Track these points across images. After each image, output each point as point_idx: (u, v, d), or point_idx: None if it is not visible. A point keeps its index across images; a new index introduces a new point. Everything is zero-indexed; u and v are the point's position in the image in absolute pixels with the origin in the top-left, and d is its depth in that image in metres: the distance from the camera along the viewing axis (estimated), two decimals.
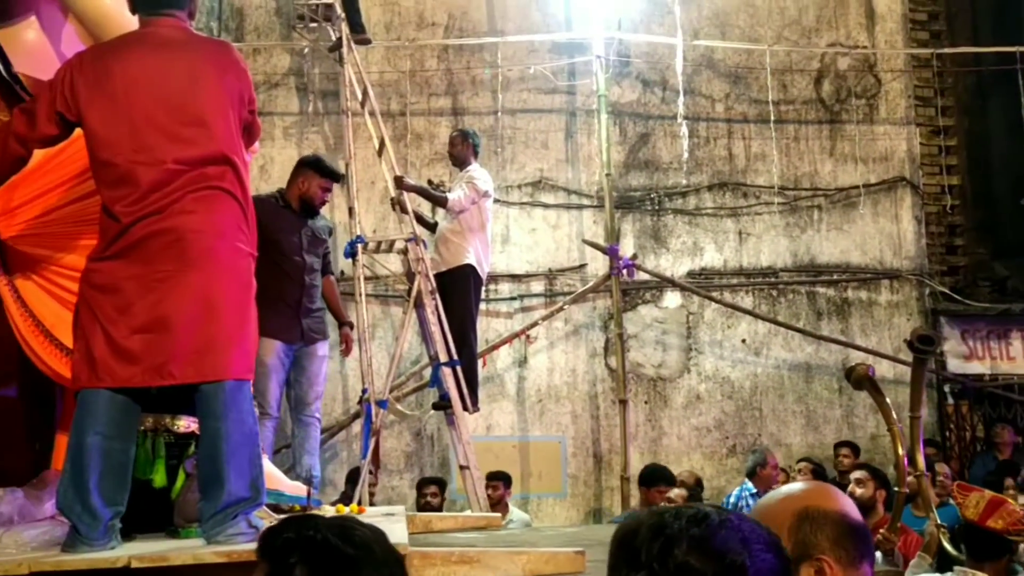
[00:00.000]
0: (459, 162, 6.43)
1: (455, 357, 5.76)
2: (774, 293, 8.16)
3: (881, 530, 3.68)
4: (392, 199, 6.15)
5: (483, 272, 6.26)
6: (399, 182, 6.09)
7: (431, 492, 6.44)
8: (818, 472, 6.35)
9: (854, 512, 1.62)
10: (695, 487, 6.44)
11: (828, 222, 8.25)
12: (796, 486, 1.78)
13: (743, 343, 8.03)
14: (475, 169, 6.31)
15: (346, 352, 5.76)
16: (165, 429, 2.98)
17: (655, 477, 6.09)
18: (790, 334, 7.97)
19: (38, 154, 3.04)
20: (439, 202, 6.25)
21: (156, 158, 2.68)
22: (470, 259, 6.10)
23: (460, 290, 6.07)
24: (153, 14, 2.85)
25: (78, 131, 2.88)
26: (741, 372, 7.99)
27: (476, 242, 6.17)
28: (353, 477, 5.99)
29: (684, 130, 8.00)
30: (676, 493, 6.29)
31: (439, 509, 6.35)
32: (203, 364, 2.66)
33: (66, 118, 2.75)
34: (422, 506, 6.37)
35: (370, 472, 5.54)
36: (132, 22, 2.96)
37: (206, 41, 3.02)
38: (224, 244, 2.74)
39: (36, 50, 3.58)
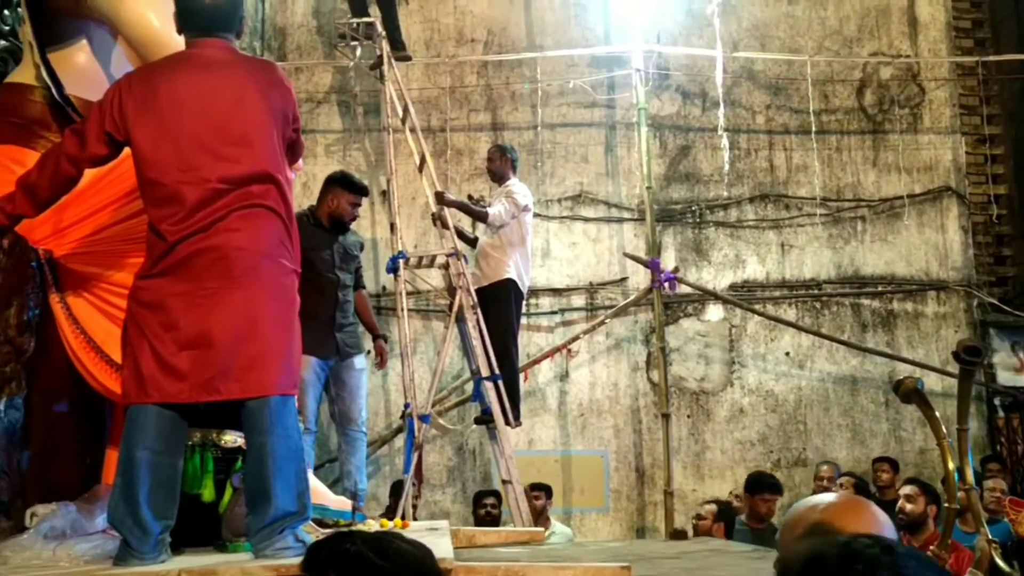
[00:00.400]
0: (498, 177, 6.46)
1: (497, 371, 5.77)
2: (818, 305, 8.07)
3: (931, 547, 3.62)
4: (433, 214, 6.20)
5: (524, 286, 6.28)
6: (440, 197, 6.13)
7: (490, 504, 6.45)
8: (860, 487, 6.26)
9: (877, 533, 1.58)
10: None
11: (872, 233, 8.16)
12: (826, 498, 1.74)
13: (787, 356, 7.96)
14: (514, 183, 6.33)
15: (380, 364, 5.80)
16: (212, 444, 3.01)
17: (760, 485, 5.98)
18: (835, 347, 7.88)
19: (88, 174, 3.09)
20: (479, 217, 6.28)
21: (201, 177, 2.72)
22: (511, 273, 6.11)
23: (501, 304, 6.08)
24: (200, 35, 2.90)
25: (126, 151, 2.94)
26: (785, 385, 7.91)
27: (516, 256, 6.18)
28: (397, 491, 6.02)
29: (725, 142, 7.96)
30: (707, 509, 6.26)
31: (497, 521, 6.35)
32: (248, 380, 2.69)
33: (115, 138, 2.81)
34: (480, 517, 6.40)
35: (413, 485, 5.56)
36: (179, 43, 3.02)
37: (251, 61, 3.06)
38: (268, 261, 2.78)
39: (87, 72, 3.66)
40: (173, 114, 2.77)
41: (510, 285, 6.11)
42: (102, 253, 3.27)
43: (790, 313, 8.02)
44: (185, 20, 2.92)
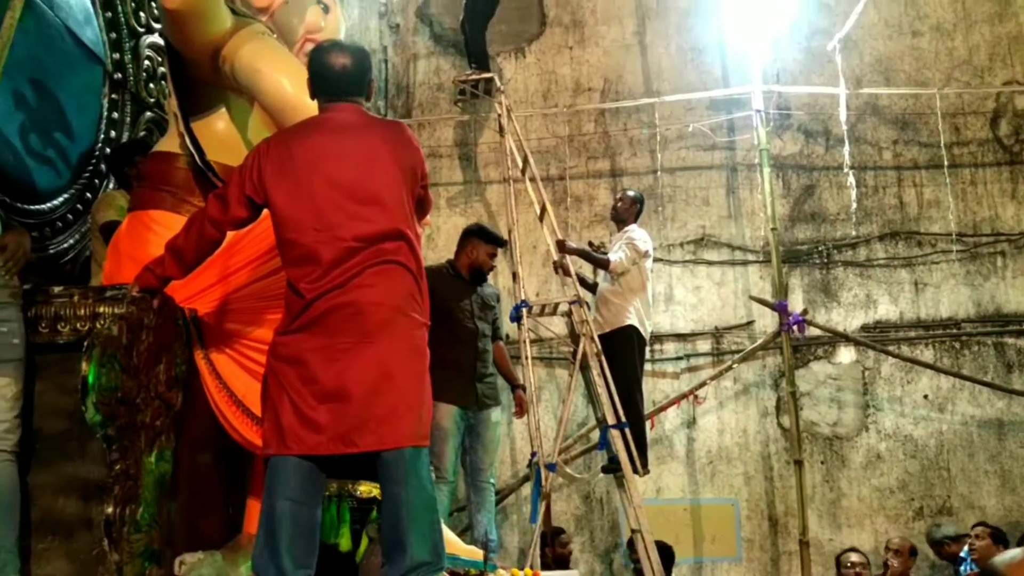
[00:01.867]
0: (620, 220, 6.47)
1: (623, 419, 5.72)
2: (957, 345, 7.72)
3: None
4: (555, 262, 6.24)
5: (645, 332, 6.24)
6: (561, 246, 6.17)
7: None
8: (997, 536, 5.91)
9: None
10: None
11: (1014, 268, 7.77)
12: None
13: (925, 399, 7.62)
14: (634, 230, 6.33)
15: (519, 414, 5.83)
16: (349, 494, 3.08)
17: None
18: (977, 389, 7.51)
19: (228, 236, 3.25)
20: (600, 264, 6.28)
21: (337, 236, 2.83)
22: (632, 320, 6.09)
23: (624, 351, 6.05)
24: (332, 100, 3.03)
25: (263, 213, 3.08)
26: (925, 430, 7.57)
27: (637, 302, 6.16)
28: (544, 539, 5.98)
29: (851, 180, 7.78)
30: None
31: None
32: (384, 432, 2.75)
33: (254, 201, 2.95)
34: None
35: (549, 532, 5.54)
36: (313, 108, 3.16)
37: (381, 122, 3.18)
38: (401, 316, 2.85)
39: (226, 139, 3.85)
40: (309, 176, 2.89)
41: (632, 332, 6.09)
42: (242, 311, 3.41)
43: (927, 354, 7.69)
44: (318, 86, 3.06)
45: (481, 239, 5.59)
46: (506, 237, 6.10)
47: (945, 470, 7.48)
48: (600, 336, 6.00)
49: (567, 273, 6.11)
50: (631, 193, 6.65)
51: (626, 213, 6.44)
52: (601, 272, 6.41)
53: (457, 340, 5.21)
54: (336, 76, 3.02)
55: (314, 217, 2.85)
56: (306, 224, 2.86)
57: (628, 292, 6.15)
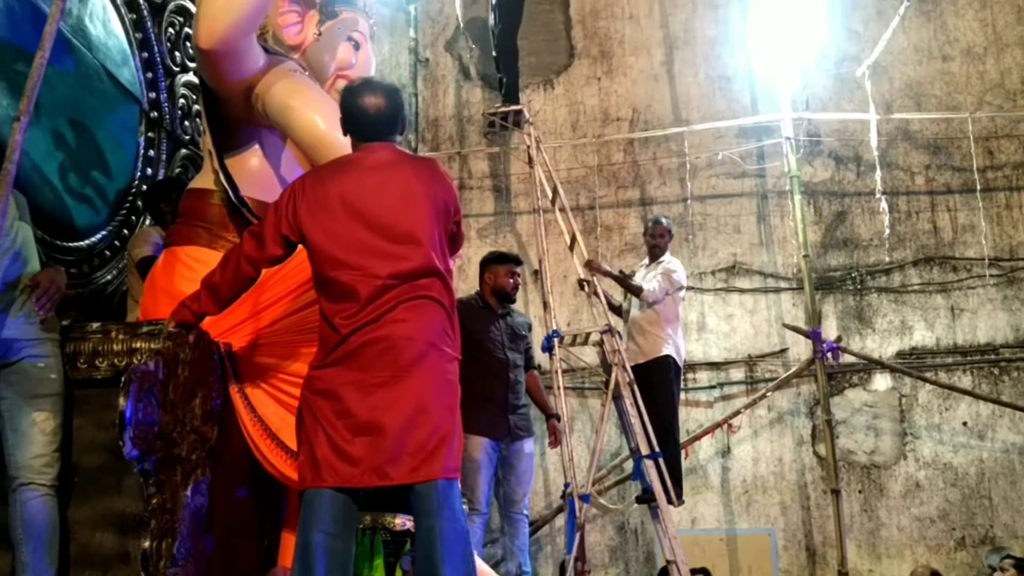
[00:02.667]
0: (657, 252, 6.45)
1: (656, 449, 5.68)
2: (995, 371, 7.61)
3: None
4: (581, 280, 6.21)
5: (681, 361, 6.21)
6: (590, 265, 6.15)
7: None
8: (1021, 567, 5.78)
9: None
10: None
11: None
12: None
13: (964, 426, 7.51)
14: (671, 261, 6.32)
15: (553, 444, 5.81)
16: (382, 527, 3.10)
17: None
18: (1018, 415, 7.38)
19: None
20: (634, 291, 6.26)
21: (372, 274, 2.87)
22: (668, 349, 6.07)
23: (662, 381, 6.03)
24: (367, 141, 3.08)
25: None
26: (964, 457, 7.45)
27: (671, 331, 6.14)
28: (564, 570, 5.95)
29: (883, 205, 7.72)
30: None
31: None
32: (418, 465, 2.77)
33: (289, 240, 3.00)
34: None
35: (581, 563, 5.50)
36: (345, 144, 3.21)
37: (414, 160, 3.22)
38: (433, 350, 2.89)
39: (260, 175, 3.92)
40: (344, 215, 2.94)
41: (669, 361, 6.07)
42: (276, 344, 3.45)
43: (965, 380, 7.58)
44: (352, 128, 3.11)
45: (496, 263, 5.67)
46: (536, 267, 6.12)
47: (987, 499, 7.34)
48: (636, 366, 5.98)
49: (594, 292, 6.10)
50: (665, 223, 6.59)
51: (663, 244, 6.42)
52: (634, 299, 6.38)
53: (488, 371, 5.22)
54: (370, 119, 3.07)
55: (350, 255, 2.90)
56: (342, 262, 2.90)
57: (663, 322, 6.13)
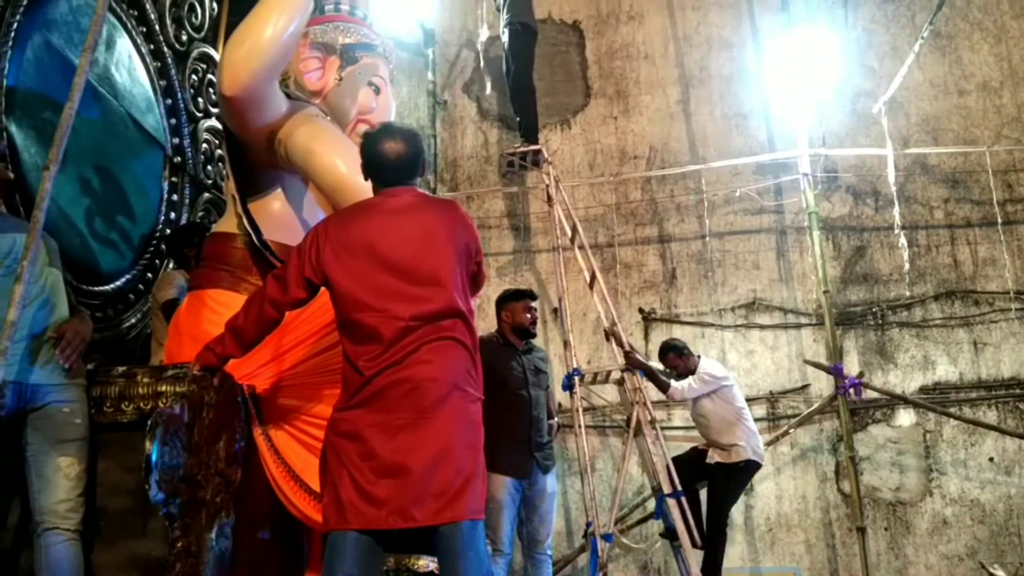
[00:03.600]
0: (688, 372, 6.28)
1: (678, 488, 5.66)
2: (1021, 406, 7.52)
3: None
4: (606, 330, 6.21)
5: (760, 458, 6.24)
6: (628, 359, 6.08)
7: None
8: None
9: None
10: None
11: None
12: None
13: (991, 462, 7.42)
14: (703, 365, 6.22)
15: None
16: (407, 569, 3.10)
17: None
18: None
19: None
20: (662, 387, 6.16)
21: (395, 316, 2.90)
22: (749, 454, 6.07)
23: (737, 486, 6.19)
24: (389, 186, 3.13)
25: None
26: (992, 494, 7.35)
27: (743, 432, 6.09)
28: None
29: (903, 240, 7.70)
30: None
31: None
32: (442, 506, 2.78)
33: (312, 283, 3.03)
34: None
35: None
36: (366, 187, 3.25)
37: (435, 202, 3.25)
38: (457, 391, 2.91)
39: (282, 218, 3.97)
40: (367, 258, 2.97)
41: (752, 466, 6.11)
42: (299, 386, 3.48)
43: (990, 415, 7.51)
44: (374, 174, 3.16)
45: (512, 300, 5.69)
46: (556, 305, 6.13)
47: (1016, 535, 7.24)
48: (717, 464, 6.01)
49: (619, 342, 6.09)
50: (679, 344, 6.42)
51: (694, 366, 6.25)
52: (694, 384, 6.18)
53: (511, 409, 5.22)
54: (391, 165, 3.12)
55: (373, 298, 2.93)
56: (365, 304, 2.93)
57: (729, 425, 6.05)
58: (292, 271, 3.04)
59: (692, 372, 6.21)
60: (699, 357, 6.34)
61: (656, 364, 6.39)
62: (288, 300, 3.06)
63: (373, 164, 3.14)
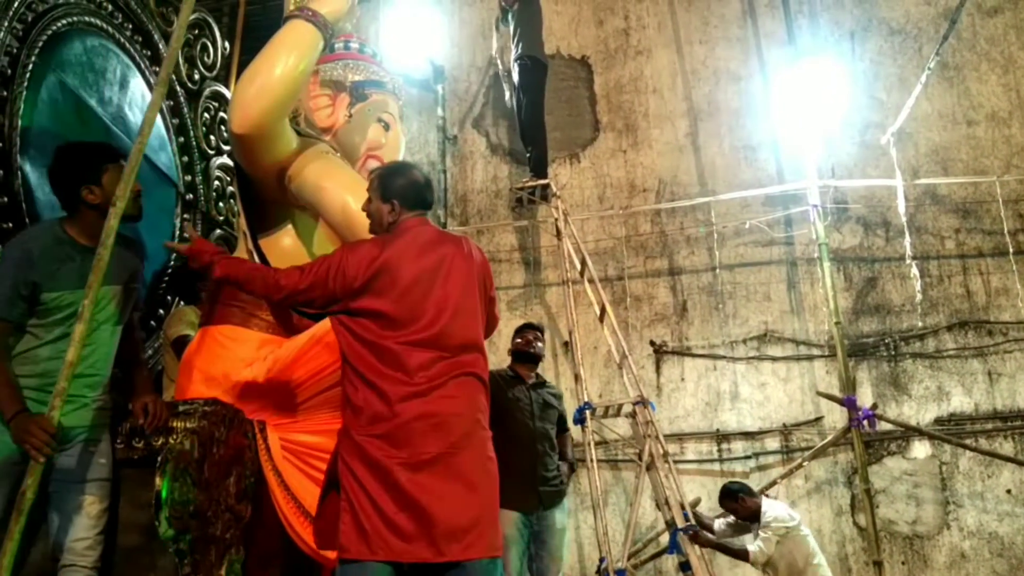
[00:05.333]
0: (751, 516, 6.18)
1: (692, 522, 5.61)
2: None
3: None
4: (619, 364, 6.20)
5: None
6: (696, 538, 5.72)
7: None
8: None
9: None
10: None
11: None
12: None
13: (1008, 494, 7.34)
14: (767, 511, 6.06)
15: None
16: None
17: None
18: None
19: (291, 349, 3.33)
20: (740, 557, 6.01)
21: (422, 344, 2.93)
22: None
23: None
24: (416, 209, 3.20)
25: (323, 327, 3.16)
26: (1010, 526, 7.27)
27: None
28: None
29: (914, 270, 7.68)
30: None
31: None
32: (470, 542, 2.79)
33: (331, 299, 3.07)
34: None
35: None
36: None
37: (452, 238, 3.30)
38: (478, 427, 2.94)
39: (293, 254, 3.99)
40: (396, 286, 3.02)
41: None
42: (308, 421, 3.47)
43: (1007, 447, 7.43)
44: (404, 194, 3.21)
45: (515, 335, 5.81)
46: (567, 339, 6.14)
47: None
48: None
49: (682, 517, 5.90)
50: (733, 488, 6.26)
51: (755, 508, 6.14)
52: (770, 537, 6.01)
53: (516, 442, 5.20)
54: (421, 187, 3.23)
55: (400, 324, 2.95)
56: (392, 330, 2.94)
57: (805, 569, 5.89)
58: (318, 279, 3.06)
59: (754, 514, 6.08)
60: (760, 497, 6.19)
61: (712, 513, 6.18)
62: (294, 300, 3.11)
63: (406, 185, 3.20)
